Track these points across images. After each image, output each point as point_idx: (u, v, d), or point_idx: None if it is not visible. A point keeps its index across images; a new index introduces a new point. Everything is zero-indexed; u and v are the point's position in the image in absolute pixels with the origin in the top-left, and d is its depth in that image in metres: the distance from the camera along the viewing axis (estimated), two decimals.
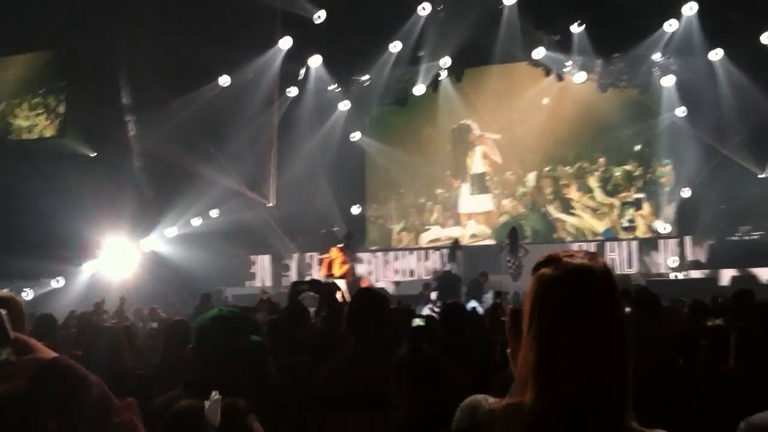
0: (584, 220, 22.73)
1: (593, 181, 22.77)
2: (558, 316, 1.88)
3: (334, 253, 17.18)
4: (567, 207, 22.92)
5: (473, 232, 23.39)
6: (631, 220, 21.94)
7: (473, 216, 23.69)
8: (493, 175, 23.74)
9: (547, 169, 23.15)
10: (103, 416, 1.91)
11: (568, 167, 22.97)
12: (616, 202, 22.39)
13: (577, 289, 1.88)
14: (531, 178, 23.22)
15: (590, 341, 1.84)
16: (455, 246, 19.93)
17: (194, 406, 2.18)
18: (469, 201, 23.87)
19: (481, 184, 23.79)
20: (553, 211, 22.89)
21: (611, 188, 22.61)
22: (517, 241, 18.91)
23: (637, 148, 22.45)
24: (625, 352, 1.87)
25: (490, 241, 22.62)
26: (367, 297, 4.44)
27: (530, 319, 1.92)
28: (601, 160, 22.72)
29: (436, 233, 23.78)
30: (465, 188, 23.95)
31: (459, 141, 24.20)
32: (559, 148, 23.08)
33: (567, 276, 1.91)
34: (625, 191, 22.42)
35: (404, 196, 24.52)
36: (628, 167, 22.49)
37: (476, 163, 23.97)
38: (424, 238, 23.93)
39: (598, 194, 22.69)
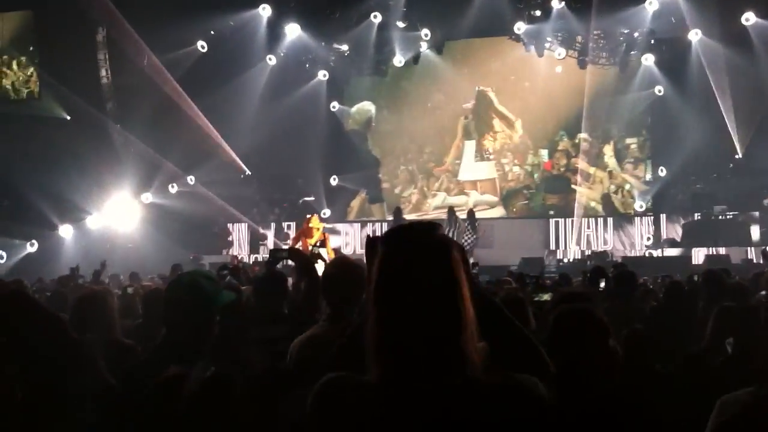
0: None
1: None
2: (393, 290, 1.90)
3: (315, 221, 16.98)
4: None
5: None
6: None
7: (478, 183, 23.70)
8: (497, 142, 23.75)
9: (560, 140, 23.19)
10: (57, 335, 1.91)
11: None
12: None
13: (411, 264, 1.91)
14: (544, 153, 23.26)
15: (426, 313, 1.86)
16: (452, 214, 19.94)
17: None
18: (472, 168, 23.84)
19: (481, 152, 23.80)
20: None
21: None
22: (474, 222, 19.26)
23: (615, 126, 22.53)
24: (462, 321, 1.88)
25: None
26: (340, 264, 4.40)
27: (372, 295, 1.95)
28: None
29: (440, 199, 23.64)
30: (468, 154, 23.90)
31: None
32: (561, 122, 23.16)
33: (401, 252, 1.94)
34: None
35: (410, 161, 24.45)
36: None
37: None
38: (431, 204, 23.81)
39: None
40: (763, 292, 6.80)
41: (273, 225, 22.88)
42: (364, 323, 2.10)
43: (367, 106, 24.56)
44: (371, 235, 2.16)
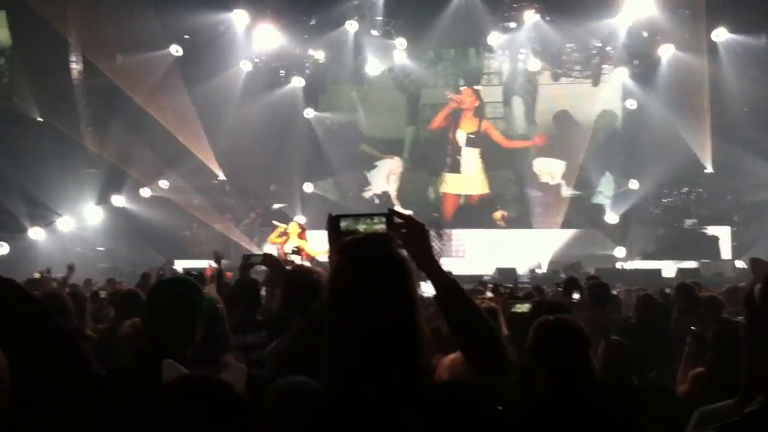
0: None
1: None
2: (347, 302, 1.94)
3: (292, 227, 16.92)
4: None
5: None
6: None
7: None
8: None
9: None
10: (47, 332, 1.88)
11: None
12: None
13: (365, 276, 1.94)
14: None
15: (379, 324, 1.89)
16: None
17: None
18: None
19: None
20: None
21: None
22: (440, 229, 19.86)
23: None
24: (415, 333, 1.92)
25: None
26: (296, 274, 4.36)
27: (327, 305, 2.00)
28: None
29: None
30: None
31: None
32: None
33: (356, 264, 1.97)
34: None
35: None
36: None
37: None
38: None
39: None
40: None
41: (245, 230, 22.77)
42: (307, 331, 2.14)
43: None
44: (332, 214, 2.22)
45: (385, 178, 24.48)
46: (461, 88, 23.82)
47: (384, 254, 1.99)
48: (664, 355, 5.82)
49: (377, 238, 2.06)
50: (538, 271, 19.03)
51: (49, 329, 1.88)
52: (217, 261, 7.74)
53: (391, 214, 2.23)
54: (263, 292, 6.88)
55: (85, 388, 1.84)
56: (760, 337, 2.04)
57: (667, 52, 20.05)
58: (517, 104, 23.45)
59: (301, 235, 16.72)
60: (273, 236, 16.98)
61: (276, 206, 23.06)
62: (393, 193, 24.01)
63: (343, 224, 2.22)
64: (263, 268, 7.12)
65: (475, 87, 23.71)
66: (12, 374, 1.66)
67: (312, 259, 15.47)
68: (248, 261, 6.82)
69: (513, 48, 21.99)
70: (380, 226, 2.19)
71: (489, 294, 7.21)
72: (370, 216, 2.23)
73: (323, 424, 1.90)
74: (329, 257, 2.21)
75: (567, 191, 22.71)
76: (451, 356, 3.95)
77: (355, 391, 1.87)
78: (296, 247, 15.86)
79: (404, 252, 2.04)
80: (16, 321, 1.82)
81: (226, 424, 2.08)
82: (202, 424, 2.05)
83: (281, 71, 23.37)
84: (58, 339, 1.88)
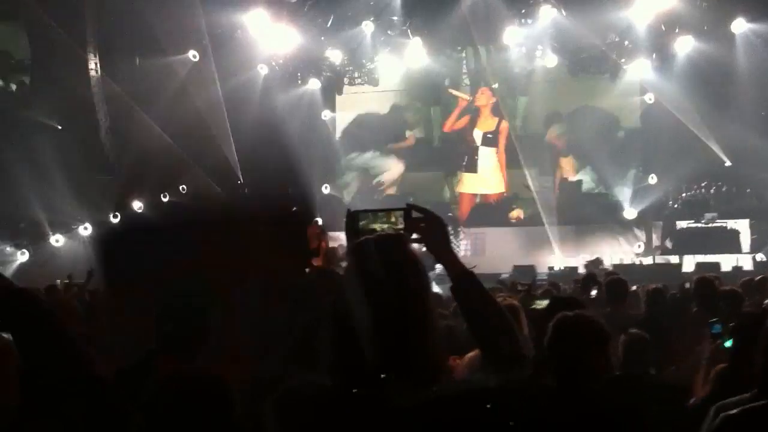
0: None
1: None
2: (355, 301, 1.95)
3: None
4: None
5: None
6: None
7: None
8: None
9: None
10: (57, 340, 1.93)
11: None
12: None
13: (376, 276, 1.95)
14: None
15: (389, 324, 1.91)
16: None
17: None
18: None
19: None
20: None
21: None
22: (456, 228, 20.00)
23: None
24: (425, 334, 1.95)
25: None
26: (316, 276, 4.41)
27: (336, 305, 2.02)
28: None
29: None
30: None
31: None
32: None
33: (368, 264, 1.98)
34: None
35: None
36: None
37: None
38: None
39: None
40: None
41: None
42: (314, 329, 2.17)
43: None
44: (351, 210, 2.24)
45: (399, 178, 24.52)
46: (480, 88, 23.79)
47: (396, 255, 2.01)
48: (675, 348, 5.83)
49: (390, 238, 2.08)
50: (556, 267, 18.97)
51: (55, 334, 1.92)
52: None
53: (410, 208, 2.26)
54: None
55: (86, 390, 1.88)
56: None
57: (685, 45, 19.90)
58: (534, 101, 23.40)
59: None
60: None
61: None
62: (407, 192, 24.00)
63: (361, 222, 2.25)
64: None
65: (493, 86, 23.67)
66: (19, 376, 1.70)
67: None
68: None
69: (529, 44, 21.94)
70: (398, 221, 2.21)
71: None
72: (388, 211, 2.25)
73: (327, 422, 1.92)
74: (347, 253, 2.23)
75: (585, 187, 22.62)
76: (470, 354, 3.98)
77: (359, 390, 1.89)
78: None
79: (416, 253, 2.05)
80: (27, 328, 1.86)
81: (214, 415, 2.20)
82: (190, 416, 2.16)
83: (298, 74, 23.41)
84: (63, 344, 1.92)
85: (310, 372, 2.14)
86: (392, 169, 24.64)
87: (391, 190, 24.38)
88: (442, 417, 1.82)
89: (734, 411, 2.11)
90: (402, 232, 2.17)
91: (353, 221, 2.24)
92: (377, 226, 2.20)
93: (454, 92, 23.98)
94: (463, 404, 1.86)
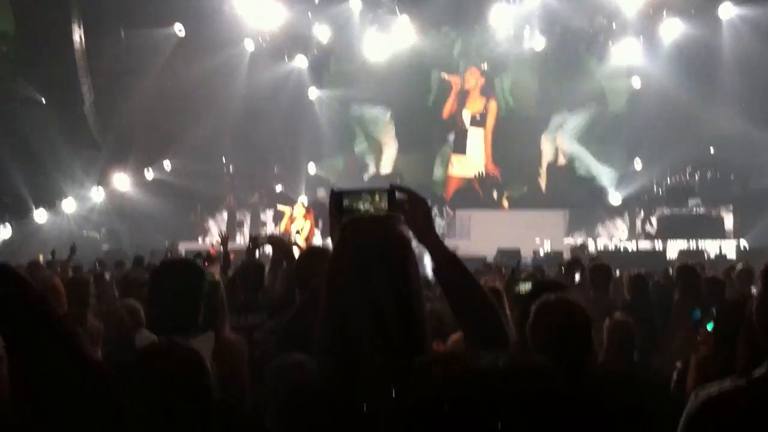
0: None
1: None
2: (344, 280, 1.94)
3: (298, 209, 17.00)
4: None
5: None
6: None
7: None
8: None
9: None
10: (42, 318, 1.90)
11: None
12: None
13: (366, 257, 1.94)
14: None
15: (378, 304, 1.89)
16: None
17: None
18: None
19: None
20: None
21: None
22: (442, 208, 20.01)
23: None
24: (412, 316, 1.93)
25: None
26: (309, 253, 4.40)
27: (326, 283, 2.00)
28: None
29: None
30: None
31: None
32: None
33: (356, 243, 1.98)
34: None
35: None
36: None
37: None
38: None
39: None
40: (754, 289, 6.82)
41: (249, 212, 22.79)
42: (304, 308, 2.17)
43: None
44: (335, 189, 2.21)
45: (388, 158, 24.51)
46: (467, 68, 23.74)
47: (385, 234, 1.99)
48: (659, 335, 5.86)
49: (381, 218, 2.07)
50: (541, 252, 19.04)
51: (41, 315, 1.88)
52: (224, 243, 7.75)
53: (393, 189, 2.25)
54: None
55: (77, 373, 1.85)
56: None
57: (672, 29, 19.91)
58: (522, 83, 23.38)
59: (307, 216, 16.80)
60: (285, 223, 17.06)
61: (278, 188, 23.07)
62: (394, 172, 24.00)
63: (345, 201, 2.24)
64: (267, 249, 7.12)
65: (481, 66, 23.63)
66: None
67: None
68: (255, 242, 6.83)
69: (518, 25, 21.92)
70: (382, 201, 2.20)
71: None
72: (372, 191, 2.23)
73: (318, 402, 1.92)
74: (331, 233, 2.23)
75: (571, 172, 22.68)
76: (453, 337, 3.98)
77: (349, 371, 1.89)
78: (300, 229, 15.95)
79: (407, 234, 2.04)
80: (8, 305, 1.83)
81: (188, 385, 2.24)
82: (166, 385, 2.22)
83: (285, 50, 23.26)
84: (50, 325, 1.89)
85: (299, 351, 2.14)
86: (380, 149, 24.59)
87: (379, 171, 24.32)
88: (437, 394, 1.83)
89: (713, 390, 2.11)
90: (388, 212, 2.15)
91: (337, 201, 2.23)
92: (361, 206, 2.19)
93: (447, 76, 23.87)
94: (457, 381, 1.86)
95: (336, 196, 2.21)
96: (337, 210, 2.19)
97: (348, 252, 1.98)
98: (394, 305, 1.90)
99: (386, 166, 24.38)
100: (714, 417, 1.99)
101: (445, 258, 2.17)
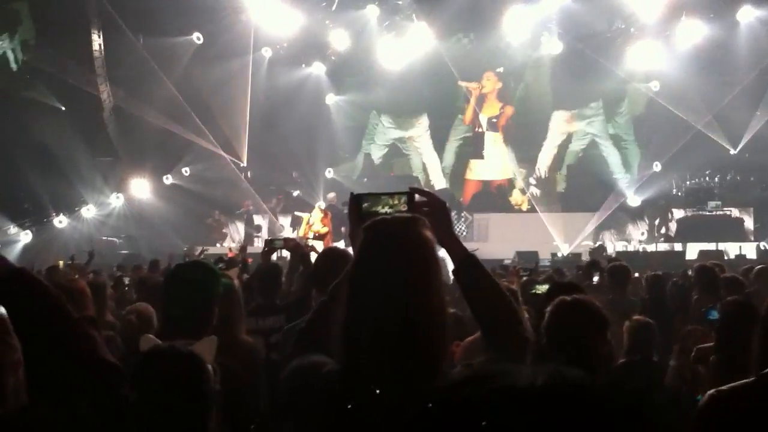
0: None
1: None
2: (368, 281, 1.95)
3: (316, 214, 17.05)
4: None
5: None
6: None
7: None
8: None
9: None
10: (58, 321, 1.91)
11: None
12: None
13: (389, 258, 1.95)
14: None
15: (398, 306, 1.89)
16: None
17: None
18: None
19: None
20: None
21: None
22: (460, 212, 20.03)
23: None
24: (433, 318, 1.93)
25: None
26: (329, 254, 4.41)
27: (347, 283, 2.02)
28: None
29: None
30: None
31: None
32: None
33: (381, 245, 1.98)
34: None
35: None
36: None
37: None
38: None
39: None
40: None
41: (267, 217, 22.85)
42: (324, 309, 2.17)
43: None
44: (354, 193, 2.25)
45: (405, 163, 24.54)
46: (486, 72, 23.69)
47: (410, 236, 1.98)
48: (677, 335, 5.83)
49: (405, 219, 2.06)
50: (559, 254, 18.95)
51: (57, 318, 1.90)
52: (242, 249, 7.79)
53: (413, 192, 2.24)
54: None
55: (90, 375, 1.87)
56: None
57: (691, 32, 19.78)
58: (539, 87, 23.33)
59: (324, 220, 16.82)
60: (304, 228, 17.10)
61: (295, 193, 23.12)
62: (412, 177, 23.99)
63: (365, 204, 2.24)
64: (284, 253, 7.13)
65: (498, 70, 23.59)
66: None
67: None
68: (270, 246, 6.84)
69: (535, 30, 21.86)
70: (401, 205, 2.20)
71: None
72: (391, 195, 2.24)
73: (337, 404, 1.91)
74: (350, 235, 2.23)
75: (590, 174, 22.56)
76: (468, 339, 3.97)
77: (369, 370, 1.88)
78: (318, 233, 15.97)
79: (430, 235, 2.03)
80: (26, 309, 1.84)
81: (188, 388, 2.27)
82: (164, 387, 2.25)
83: (303, 57, 23.35)
84: (66, 327, 1.90)
85: (318, 352, 2.14)
86: (398, 154, 24.63)
87: (394, 174, 24.31)
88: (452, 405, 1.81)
89: (723, 387, 2.09)
90: (411, 214, 2.15)
91: (357, 204, 2.23)
92: (380, 209, 2.19)
93: (466, 84, 23.81)
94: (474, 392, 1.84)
95: (355, 200, 2.22)
96: (356, 213, 2.19)
97: (371, 253, 1.99)
98: (416, 306, 1.90)
99: (403, 171, 24.36)
100: (723, 413, 1.98)
101: (465, 259, 2.18)
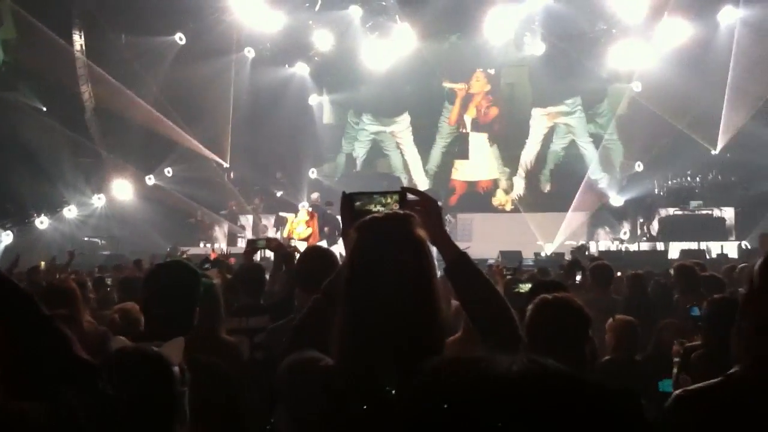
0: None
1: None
2: (365, 281, 1.95)
3: (302, 214, 17.02)
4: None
5: None
6: None
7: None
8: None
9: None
10: (30, 319, 1.90)
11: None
12: None
13: (383, 256, 1.95)
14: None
15: (395, 304, 1.89)
16: None
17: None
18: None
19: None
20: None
21: None
22: (445, 214, 19.84)
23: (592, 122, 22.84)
24: (431, 314, 1.93)
25: None
26: (312, 254, 4.41)
27: (343, 284, 2.01)
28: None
29: None
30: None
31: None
32: None
33: (375, 243, 1.98)
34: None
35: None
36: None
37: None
38: None
39: None
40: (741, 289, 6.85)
41: (251, 217, 22.81)
42: (321, 306, 2.17)
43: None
44: (346, 192, 2.26)
45: (389, 163, 24.55)
46: (475, 72, 23.71)
47: (404, 233, 1.99)
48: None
49: (398, 216, 2.06)
50: (542, 254, 18.99)
51: (29, 314, 1.89)
52: (225, 256, 7.77)
53: (405, 191, 2.25)
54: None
55: (64, 371, 1.86)
56: (757, 310, 2.04)
57: (674, 31, 19.88)
58: (523, 88, 23.42)
59: (310, 222, 16.79)
60: (288, 229, 17.05)
61: (279, 193, 23.09)
62: (396, 177, 24.02)
63: (357, 203, 2.24)
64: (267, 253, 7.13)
65: (489, 71, 23.65)
66: None
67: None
68: (253, 246, 6.83)
69: (518, 30, 21.94)
70: (393, 204, 2.21)
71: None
72: (384, 194, 2.25)
73: (334, 399, 1.91)
74: (343, 234, 2.24)
75: (573, 174, 22.63)
76: (451, 338, 3.98)
77: (366, 367, 1.88)
78: (299, 237, 15.96)
79: (423, 233, 2.03)
80: None
81: (154, 389, 2.25)
82: (133, 389, 2.21)
83: (286, 57, 23.34)
84: (38, 324, 1.89)
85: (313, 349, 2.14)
86: (381, 155, 24.63)
87: (379, 174, 24.31)
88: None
89: (690, 387, 2.11)
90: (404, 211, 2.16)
91: (349, 203, 2.24)
92: (373, 208, 2.20)
93: (450, 85, 23.84)
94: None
95: (347, 199, 2.23)
96: (349, 212, 2.20)
97: (366, 250, 1.99)
98: (412, 303, 1.91)
99: (385, 170, 24.37)
100: (686, 413, 1.99)
101: (457, 258, 2.20)
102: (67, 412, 1.71)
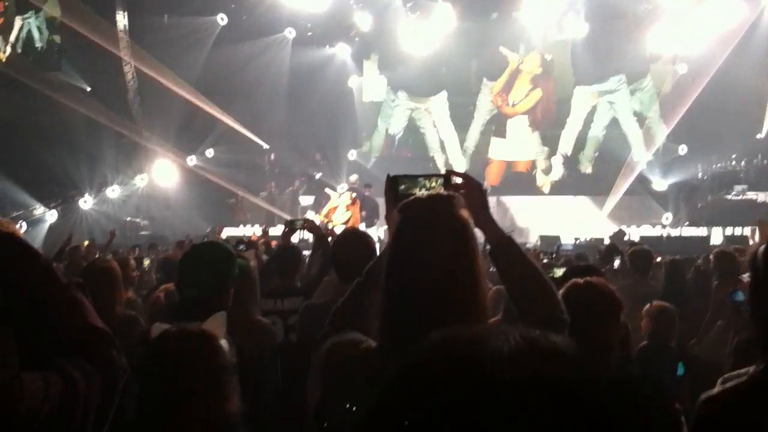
0: None
1: None
2: (406, 263, 1.94)
3: (344, 198, 16.98)
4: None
5: None
6: None
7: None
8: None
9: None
10: (45, 286, 1.91)
11: None
12: None
13: (426, 238, 1.94)
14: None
15: (436, 285, 1.89)
16: None
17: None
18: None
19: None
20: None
21: None
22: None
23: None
24: (473, 297, 1.92)
25: None
26: (350, 237, 4.40)
27: (385, 265, 2.01)
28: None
29: None
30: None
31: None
32: None
33: (418, 225, 1.97)
34: None
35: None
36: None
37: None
38: None
39: None
40: None
41: (290, 199, 22.88)
42: (361, 288, 2.17)
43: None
44: (391, 174, 2.26)
45: (428, 144, 24.43)
46: (531, 53, 23.41)
47: (447, 214, 1.98)
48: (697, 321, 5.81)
49: (441, 197, 2.06)
50: (582, 238, 18.83)
51: (46, 281, 1.91)
52: (264, 234, 7.80)
53: (449, 174, 2.25)
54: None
55: (79, 340, 1.87)
56: (762, 300, 2.00)
57: (720, 11, 19.44)
58: (566, 69, 23.11)
59: (350, 207, 16.75)
60: (327, 211, 17.02)
61: (318, 175, 23.10)
62: (436, 158, 23.93)
63: (401, 187, 2.26)
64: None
65: (546, 56, 23.33)
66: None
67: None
68: (291, 226, 6.84)
69: (561, 11, 21.69)
70: (438, 187, 2.22)
71: None
72: (428, 177, 2.26)
73: (375, 381, 1.92)
74: (386, 216, 2.24)
75: (615, 158, 22.38)
76: (492, 320, 3.96)
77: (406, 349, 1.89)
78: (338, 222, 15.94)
79: (466, 214, 2.03)
80: (13, 272, 1.85)
81: (203, 365, 2.28)
82: (181, 369, 2.27)
83: (327, 38, 23.32)
84: (55, 291, 1.91)
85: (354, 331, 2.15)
86: (421, 136, 24.50)
87: (412, 156, 24.22)
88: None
89: (713, 391, 2.06)
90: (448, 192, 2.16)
91: (393, 186, 2.24)
92: (417, 191, 2.20)
93: (506, 52, 23.47)
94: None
95: (392, 181, 2.23)
96: (393, 195, 2.21)
97: (409, 232, 1.98)
98: (454, 284, 1.90)
99: (420, 152, 24.24)
100: (713, 417, 1.95)
101: (501, 240, 2.19)
102: (78, 383, 1.72)
